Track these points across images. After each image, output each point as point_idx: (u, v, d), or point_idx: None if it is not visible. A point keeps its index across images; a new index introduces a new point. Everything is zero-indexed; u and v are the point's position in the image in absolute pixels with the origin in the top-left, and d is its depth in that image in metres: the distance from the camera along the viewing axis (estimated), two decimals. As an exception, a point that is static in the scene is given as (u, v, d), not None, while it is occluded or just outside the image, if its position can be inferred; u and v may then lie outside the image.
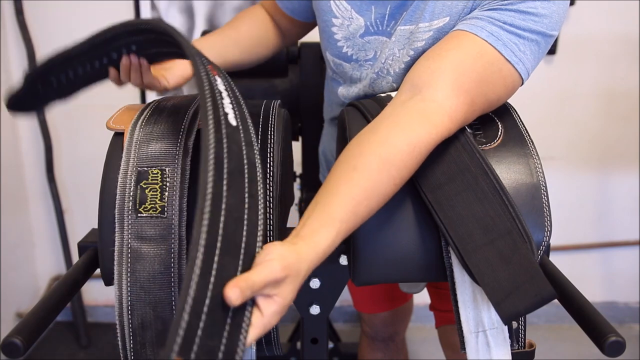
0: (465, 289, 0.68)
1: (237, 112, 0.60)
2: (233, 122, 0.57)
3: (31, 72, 0.76)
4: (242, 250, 0.52)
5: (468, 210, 0.65)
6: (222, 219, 0.50)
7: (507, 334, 0.68)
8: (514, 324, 0.69)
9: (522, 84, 0.75)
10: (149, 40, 0.71)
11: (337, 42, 0.88)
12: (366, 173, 0.61)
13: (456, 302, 0.68)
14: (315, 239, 0.57)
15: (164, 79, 0.83)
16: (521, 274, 0.61)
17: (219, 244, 0.49)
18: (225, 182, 0.51)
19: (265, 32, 0.99)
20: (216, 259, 0.48)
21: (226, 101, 0.59)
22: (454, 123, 0.68)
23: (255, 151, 0.59)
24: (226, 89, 0.62)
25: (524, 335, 0.70)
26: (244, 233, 0.53)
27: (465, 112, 0.69)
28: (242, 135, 0.58)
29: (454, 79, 0.68)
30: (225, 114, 0.57)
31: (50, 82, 0.78)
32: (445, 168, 0.68)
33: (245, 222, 0.53)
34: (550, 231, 0.68)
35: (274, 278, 0.51)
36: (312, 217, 0.59)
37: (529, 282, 0.60)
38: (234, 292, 0.48)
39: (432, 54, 0.72)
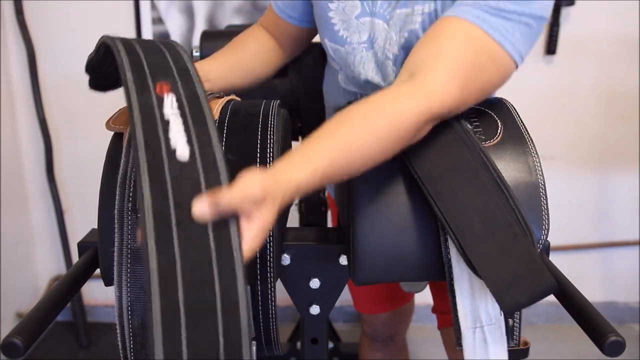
0: (463, 284, 0.68)
1: (192, 135, 0.56)
2: (184, 157, 0.53)
3: (86, 67, 0.76)
4: (220, 311, 0.47)
5: (469, 203, 0.65)
6: (179, 282, 0.46)
7: (504, 331, 0.68)
8: (510, 321, 0.69)
9: (517, 67, 0.75)
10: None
11: (334, 27, 0.89)
12: (349, 128, 0.64)
13: (454, 297, 0.68)
14: (290, 170, 0.58)
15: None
16: (522, 266, 0.61)
17: (182, 318, 0.45)
18: (176, 240, 0.48)
19: (269, 54, 1.01)
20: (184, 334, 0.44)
21: (174, 130, 0.55)
22: (445, 103, 0.68)
23: (220, 173, 0.54)
24: (180, 107, 0.58)
25: (519, 332, 0.70)
26: (216, 292, 0.48)
27: (457, 95, 0.69)
28: (198, 164, 0.54)
29: (446, 65, 0.69)
30: (172, 152, 0.53)
31: (107, 71, 0.78)
32: (446, 161, 0.68)
33: (216, 275, 0.48)
34: (548, 229, 0.68)
35: (252, 194, 0.52)
36: (289, 158, 0.60)
37: (530, 274, 0.60)
38: (199, 205, 0.50)
39: (424, 42, 0.74)
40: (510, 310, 0.61)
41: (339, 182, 0.68)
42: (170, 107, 0.58)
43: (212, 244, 0.49)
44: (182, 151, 0.54)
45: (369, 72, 0.89)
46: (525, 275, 0.60)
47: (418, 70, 0.70)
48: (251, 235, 0.52)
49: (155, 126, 0.55)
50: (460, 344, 0.69)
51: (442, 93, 0.68)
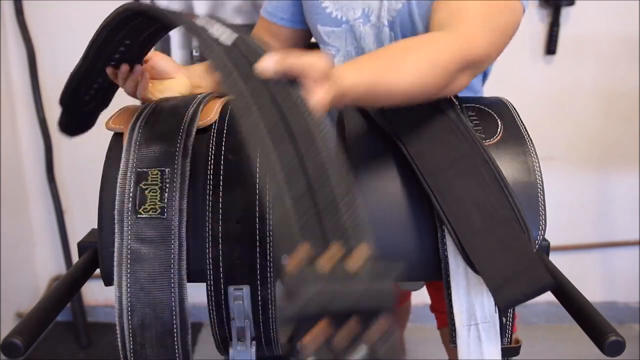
0: (459, 281, 0.68)
1: (229, 30, 0.58)
2: (227, 42, 0.56)
3: (63, 95, 0.78)
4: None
5: (468, 196, 0.65)
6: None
7: (498, 329, 0.68)
8: (503, 319, 0.70)
9: (523, 12, 0.80)
10: (136, 27, 0.71)
11: (326, 9, 0.91)
12: (392, 57, 0.66)
13: (449, 294, 0.68)
14: (341, 73, 0.58)
15: (154, 97, 0.85)
16: (520, 261, 0.61)
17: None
18: (246, 90, 0.50)
19: None
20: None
21: (213, 28, 0.58)
22: (476, 47, 0.71)
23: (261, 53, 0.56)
24: (211, 19, 0.61)
25: (511, 330, 0.70)
26: (290, 122, 0.50)
27: (485, 39, 0.73)
28: (244, 48, 0.55)
29: (470, 16, 0.74)
30: (216, 40, 0.56)
31: (83, 98, 0.81)
32: (446, 154, 0.68)
33: (288, 113, 0.50)
34: (545, 229, 0.68)
35: (319, 64, 0.52)
36: (339, 66, 0.61)
37: (528, 270, 0.60)
38: (267, 59, 0.51)
39: (442, 5, 0.78)
40: (507, 306, 0.61)
41: (377, 106, 0.70)
42: (201, 19, 0.60)
43: (278, 96, 0.50)
44: (226, 39, 0.56)
45: (370, 45, 0.91)
46: (523, 272, 0.60)
47: (445, 25, 0.73)
48: (312, 104, 0.52)
49: (194, 23, 0.58)
50: (454, 342, 0.69)
51: (472, 37, 0.71)
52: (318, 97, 0.52)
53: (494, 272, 0.61)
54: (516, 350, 0.71)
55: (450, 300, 0.68)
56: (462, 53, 0.68)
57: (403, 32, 0.89)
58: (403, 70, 0.64)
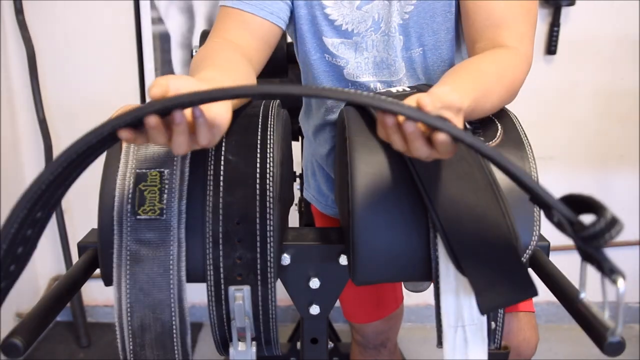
0: (448, 282, 0.68)
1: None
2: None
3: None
4: None
5: (460, 198, 0.65)
6: None
7: (485, 333, 0.68)
8: (492, 324, 0.70)
9: None
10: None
11: (334, 22, 0.90)
12: (487, 80, 0.72)
13: (438, 295, 0.68)
14: (462, 93, 0.61)
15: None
16: (506, 267, 0.61)
17: None
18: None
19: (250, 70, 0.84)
20: None
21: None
22: (530, 62, 0.83)
23: None
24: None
25: (501, 336, 0.70)
26: None
27: (532, 51, 0.84)
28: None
29: (526, 31, 0.82)
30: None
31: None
32: None
33: None
34: (538, 236, 0.68)
35: (455, 103, 0.57)
36: (456, 85, 0.66)
37: (511, 276, 0.61)
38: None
39: (476, 4, 0.82)
40: (487, 310, 0.61)
41: None
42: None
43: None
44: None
45: (381, 52, 0.91)
46: (506, 278, 0.61)
47: (487, 30, 0.81)
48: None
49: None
50: (441, 343, 0.69)
51: (530, 57, 0.83)
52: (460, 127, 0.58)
53: (479, 275, 0.61)
54: (505, 356, 0.71)
55: (438, 302, 0.68)
56: (526, 75, 0.80)
57: (418, 32, 0.89)
58: (491, 99, 0.71)
